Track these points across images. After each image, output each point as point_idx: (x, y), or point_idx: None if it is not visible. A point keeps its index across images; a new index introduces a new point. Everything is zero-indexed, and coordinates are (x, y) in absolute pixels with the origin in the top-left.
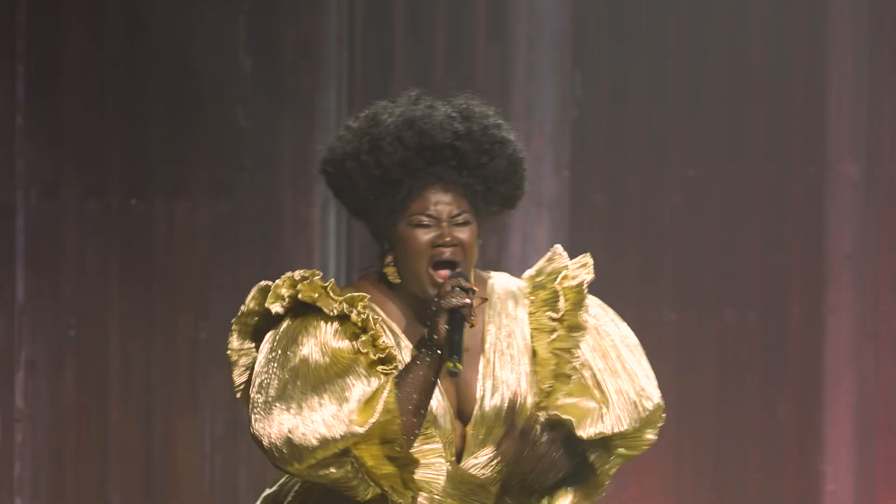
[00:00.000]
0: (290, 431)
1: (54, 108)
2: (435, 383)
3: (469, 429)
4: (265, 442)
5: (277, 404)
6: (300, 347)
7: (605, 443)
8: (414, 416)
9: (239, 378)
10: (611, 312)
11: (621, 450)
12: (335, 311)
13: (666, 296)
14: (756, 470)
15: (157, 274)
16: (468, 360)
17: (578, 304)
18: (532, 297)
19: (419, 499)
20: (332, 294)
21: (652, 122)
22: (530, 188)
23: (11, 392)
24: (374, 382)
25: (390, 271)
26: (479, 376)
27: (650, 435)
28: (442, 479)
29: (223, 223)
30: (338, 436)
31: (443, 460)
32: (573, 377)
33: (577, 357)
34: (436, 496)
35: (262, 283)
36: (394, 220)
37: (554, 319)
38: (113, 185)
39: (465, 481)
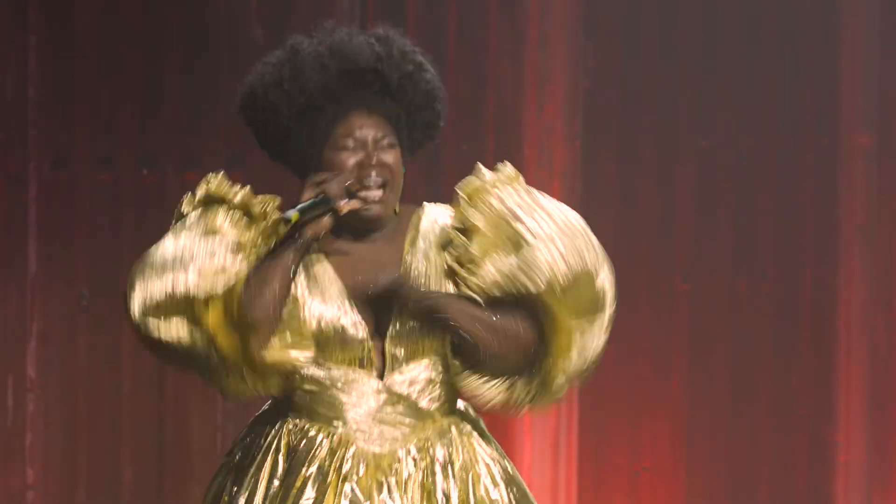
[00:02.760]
0: (136, 277)
1: (67, 79)
2: (293, 259)
3: (387, 345)
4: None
5: (142, 261)
6: (186, 228)
7: (548, 298)
8: (266, 288)
9: None
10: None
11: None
12: (237, 199)
13: (678, 266)
14: (768, 441)
15: None
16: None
17: (465, 206)
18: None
19: (344, 427)
20: (242, 190)
21: (664, 92)
22: (543, 159)
23: (23, 362)
24: (241, 262)
25: None
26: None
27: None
28: (353, 397)
29: None
30: (181, 290)
31: (346, 369)
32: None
33: (474, 253)
34: (360, 417)
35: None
36: (318, 148)
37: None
38: (125, 155)
39: (389, 400)
